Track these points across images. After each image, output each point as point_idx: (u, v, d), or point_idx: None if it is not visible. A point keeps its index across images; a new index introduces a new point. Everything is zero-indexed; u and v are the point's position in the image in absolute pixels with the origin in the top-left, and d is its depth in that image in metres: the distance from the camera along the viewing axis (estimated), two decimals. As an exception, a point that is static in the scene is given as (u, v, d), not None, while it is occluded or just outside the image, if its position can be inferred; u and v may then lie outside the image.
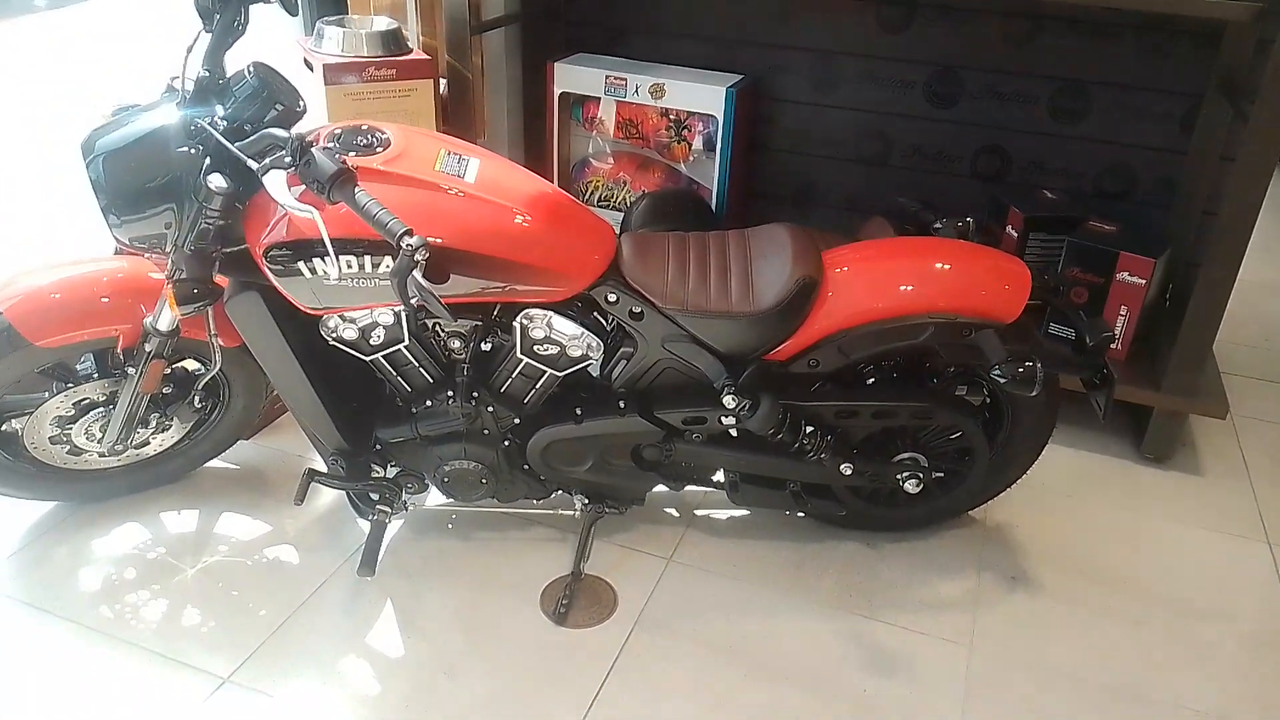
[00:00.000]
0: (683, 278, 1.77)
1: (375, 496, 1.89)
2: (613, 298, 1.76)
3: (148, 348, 1.77)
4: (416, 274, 1.45)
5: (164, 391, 1.91)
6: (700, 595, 1.99)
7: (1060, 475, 2.41)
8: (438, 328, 1.79)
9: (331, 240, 1.53)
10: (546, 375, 1.83)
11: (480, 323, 1.78)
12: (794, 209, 3.13)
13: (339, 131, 1.68)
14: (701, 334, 1.76)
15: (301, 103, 1.65)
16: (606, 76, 2.94)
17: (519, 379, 1.84)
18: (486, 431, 1.88)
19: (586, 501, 2.00)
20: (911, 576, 2.07)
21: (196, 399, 1.96)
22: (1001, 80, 2.72)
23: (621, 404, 1.84)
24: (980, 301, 1.75)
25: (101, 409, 1.91)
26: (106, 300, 1.80)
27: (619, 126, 3.06)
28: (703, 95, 2.86)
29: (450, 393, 1.81)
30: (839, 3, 2.79)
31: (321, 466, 1.96)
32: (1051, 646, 1.91)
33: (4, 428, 1.91)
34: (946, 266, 1.78)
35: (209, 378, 1.92)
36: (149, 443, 2.06)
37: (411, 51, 2.57)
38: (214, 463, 2.27)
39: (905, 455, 1.91)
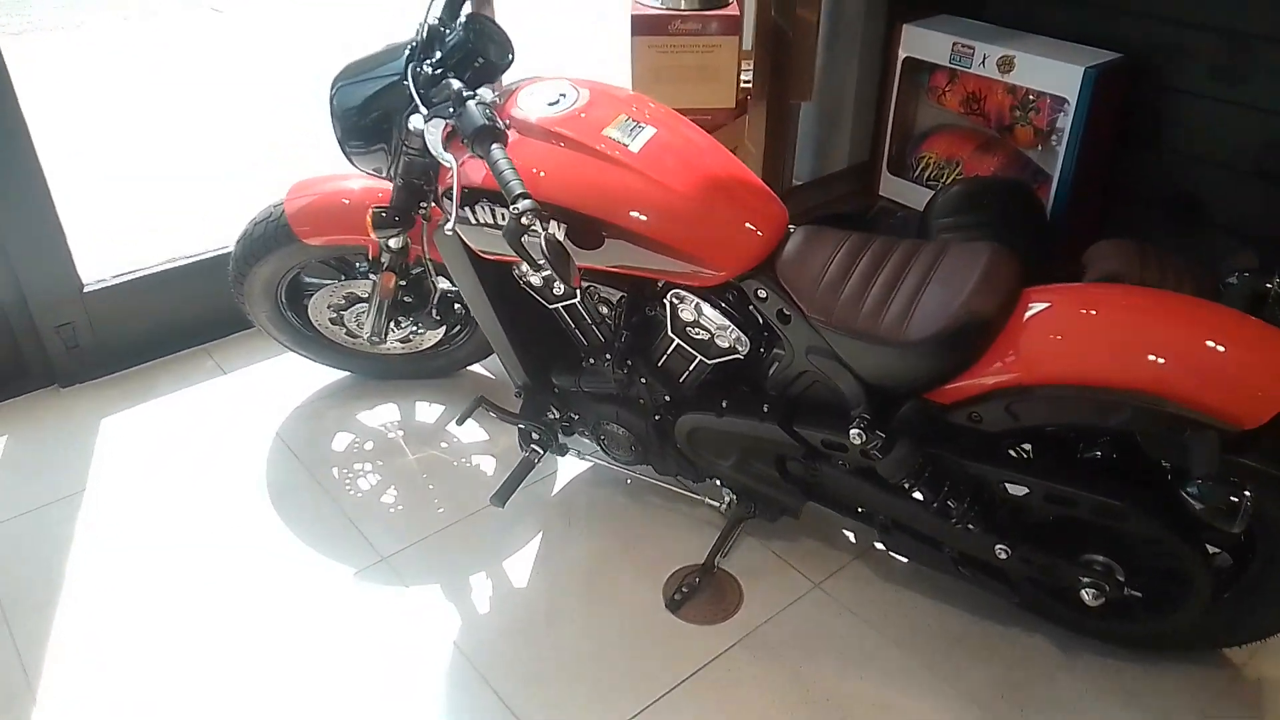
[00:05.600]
0: (838, 285, 1.58)
1: (535, 436, 1.99)
2: (762, 294, 1.63)
3: (383, 260, 2.03)
4: (556, 233, 1.49)
5: (405, 300, 2.17)
6: (828, 633, 1.82)
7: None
8: (593, 289, 1.81)
9: (478, 190, 1.61)
10: (697, 360, 1.76)
11: (626, 294, 1.76)
12: (1161, 222, 2.56)
13: (537, 87, 1.74)
14: (843, 353, 1.56)
15: (510, 56, 1.73)
16: (954, 43, 2.63)
17: (673, 357, 1.80)
18: (641, 401, 1.87)
19: (735, 497, 1.92)
20: (1093, 702, 1.68)
21: (434, 311, 2.21)
22: None
23: (765, 407, 1.71)
24: (1210, 393, 1.31)
25: (364, 303, 2.24)
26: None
27: (962, 100, 2.73)
28: (1055, 74, 2.43)
29: (609, 355, 1.83)
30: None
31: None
32: None
33: (304, 304, 2.32)
34: (1179, 336, 1.36)
35: (438, 294, 2.15)
36: (410, 339, 2.37)
37: (729, 5, 2.52)
38: (477, 367, 2.55)
39: (1095, 557, 1.53)
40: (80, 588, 1.93)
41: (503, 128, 1.53)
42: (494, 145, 1.50)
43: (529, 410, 2.01)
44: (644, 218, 1.60)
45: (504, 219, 1.67)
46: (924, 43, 2.69)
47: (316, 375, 2.52)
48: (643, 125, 1.68)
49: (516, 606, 1.89)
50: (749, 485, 1.86)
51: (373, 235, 1.81)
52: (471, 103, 1.53)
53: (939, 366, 1.48)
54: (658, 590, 1.91)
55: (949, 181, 2.78)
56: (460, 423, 2.07)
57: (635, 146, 1.63)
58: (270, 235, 2.10)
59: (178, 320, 2.62)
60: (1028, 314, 1.47)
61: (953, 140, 2.81)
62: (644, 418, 1.87)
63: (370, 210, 1.80)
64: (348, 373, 2.53)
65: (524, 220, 1.43)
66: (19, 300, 2.38)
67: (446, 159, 1.56)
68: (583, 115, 1.67)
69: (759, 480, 1.83)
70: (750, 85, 2.84)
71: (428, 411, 2.44)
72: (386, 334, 2.22)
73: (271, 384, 2.51)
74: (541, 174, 1.62)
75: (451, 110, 1.56)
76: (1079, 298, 1.47)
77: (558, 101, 1.70)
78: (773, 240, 1.65)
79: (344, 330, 2.35)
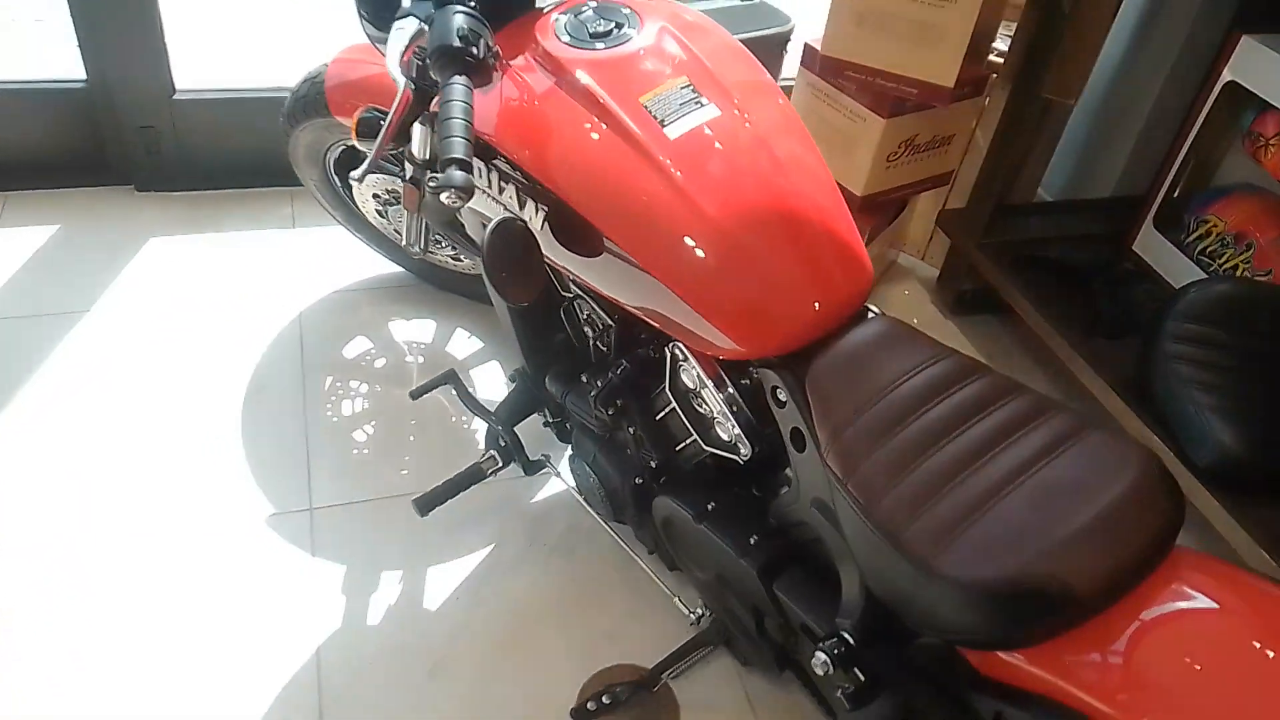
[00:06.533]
0: (884, 431, 1.01)
1: (502, 442, 1.57)
2: (782, 396, 1.09)
3: (405, 170, 1.63)
4: (534, 221, 1.06)
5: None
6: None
7: None
8: (583, 303, 1.33)
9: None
10: (693, 439, 1.26)
11: (616, 324, 1.27)
12: None
13: (591, 8, 1.23)
14: (849, 532, 1.01)
15: None
16: (1305, 81, 1.80)
17: (670, 419, 1.31)
18: (628, 451, 1.40)
19: (707, 613, 1.43)
20: None
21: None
22: None
23: (753, 540, 1.20)
24: None
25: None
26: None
27: (1287, 164, 1.91)
28: None
29: (600, 384, 1.36)
30: None
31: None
32: None
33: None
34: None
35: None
36: (461, 259, 2.00)
37: (990, -52, 1.83)
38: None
39: None
40: (17, 413, 1.77)
41: (483, 56, 1.07)
42: (456, 77, 1.05)
43: (510, 407, 1.59)
44: (643, 237, 1.09)
45: (486, 177, 1.22)
46: (1262, 68, 1.87)
47: (380, 260, 2.21)
48: (704, 102, 1.14)
49: (410, 634, 1.53)
50: (722, 615, 1.37)
51: (356, 143, 1.40)
52: (454, 9, 1.07)
53: (975, 627, 0.91)
54: (576, 685, 1.49)
55: (1223, 268, 2.00)
56: (415, 397, 1.68)
57: (674, 131, 1.11)
58: (310, 100, 1.75)
59: (269, 153, 2.36)
60: (1160, 604, 0.86)
61: (1254, 212, 2.00)
62: (624, 474, 1.41)
63: (359, 110, 1.39)
64: (400, 269, 2.21)
65: (444, 198, 0.98)
66: (105, 89, 2.20)
67: (398, 77, 1.11)
68: (625, 64, 1.16)
69: (733, 618, 1.34)
70: (1002, 61, 2.14)
71: (464, 345, 2.08)
72: (427, 248, 1.84)
73: (331, 255, 2.23)
74: (535, 136, 1.14)
75: (432, 11, 1.10)
76: (1257, 607, 0.84)
77: (609, 33, 1.19)
78: (827, 322, 1.10)
79: (392, 226, 2.00)
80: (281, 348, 2.00)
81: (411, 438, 1.85)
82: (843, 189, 2.10)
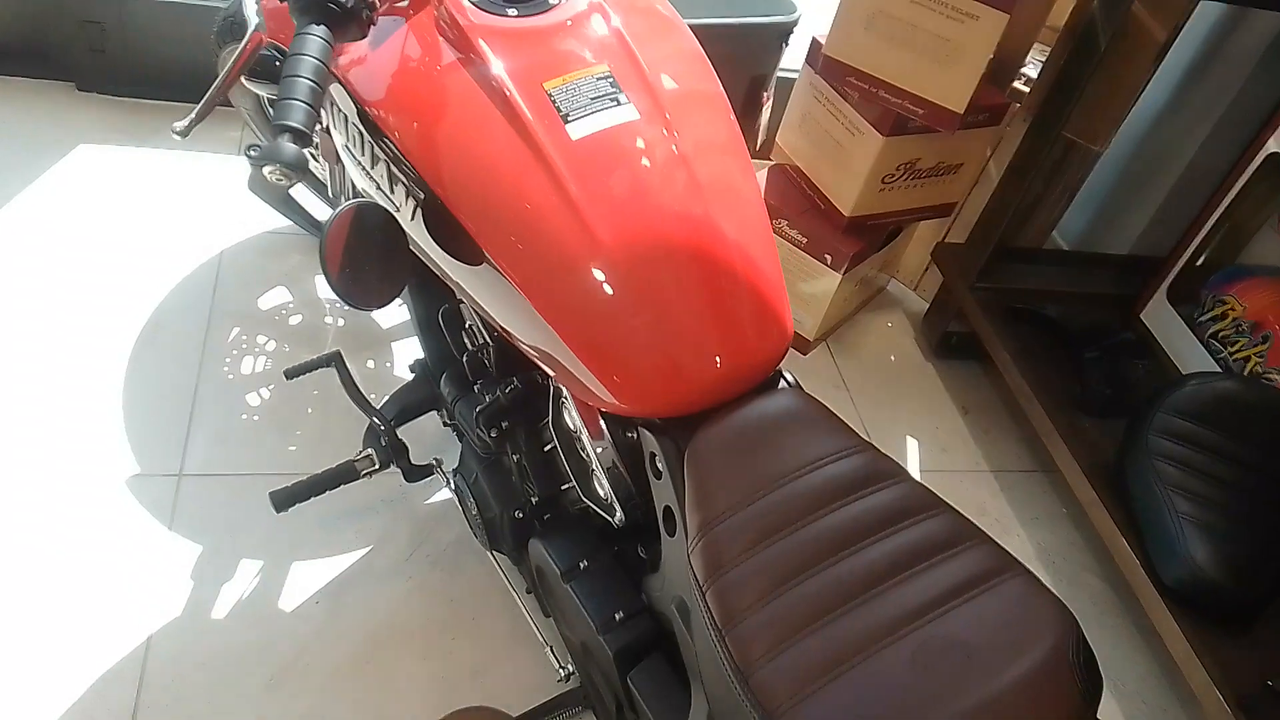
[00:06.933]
0: (769, 531, 0.83)
1: (382, 441, 1.40)
2: (660, 466, 0.92)
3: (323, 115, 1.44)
4: (404, 211, 0.88)
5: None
6: None
7: None
8: (464, 311, 1.16)
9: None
10: (572, 485, 1.09)
11: (490, 343, 1.09)
12: None
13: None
14: (700, 649, 0.84)
15: None
16: (1357, 167, 1.59)
17: (555, 455, 1.14)
18: (514, 478, 1.23)
19: (573, 671, 1.27)
20: None
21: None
22: None
23: (619, 615, 1.03)
24: None
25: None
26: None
27: (1321, 256, 1.71)
28: None
29: (486, 399, 1.18)
30: None
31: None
32: None
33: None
34: None
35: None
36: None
37: (1029, -37, 1.62)
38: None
39: None
40: None
41: (352, 5, 0.88)
42: (313, 26, 0.86)
43: (399, 402, 1.42)
44: (521, 254, 0.91)
45: (360, 145, 1.04)
46: (1313, 144, 1.67)
47: (322, 206, 2.02)
48: (622, 100, 0.95)
49: (256, 635, 1.37)
50: (586, 683, 1.21)
51: (245, 82, 1.22)
52: None
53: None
54: (434, 717, 1.33)
55: (1234, 358, 1.80)
56: (289, 376, 1.50)
57: (578, 130, 0.92)
58: (238, 22, 1.56)
59: (223, 71, 2.18)
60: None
61: (1277, 301, 1.80)
62: (504, 503, 1.23)
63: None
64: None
65: (268, 173, 0.81)
66: (49, -26, 2.01)
67: (250, 16, 0.92)
68: (536, 39, 0.96)
69: (594, 690, 1.17)
70: (1028, 91, 1.93)
71: (391, 313, 1.90)
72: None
73: (270, 191, 2.05)
74: (416, 114, 0.96)
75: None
76: None
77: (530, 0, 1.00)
78: (727, 386, 0.92)
79: (324, 171, 1.82)
80: (193, 285, 1.83)
81: (310, 410, 1.68)
82: (829, 205, 1.92)
